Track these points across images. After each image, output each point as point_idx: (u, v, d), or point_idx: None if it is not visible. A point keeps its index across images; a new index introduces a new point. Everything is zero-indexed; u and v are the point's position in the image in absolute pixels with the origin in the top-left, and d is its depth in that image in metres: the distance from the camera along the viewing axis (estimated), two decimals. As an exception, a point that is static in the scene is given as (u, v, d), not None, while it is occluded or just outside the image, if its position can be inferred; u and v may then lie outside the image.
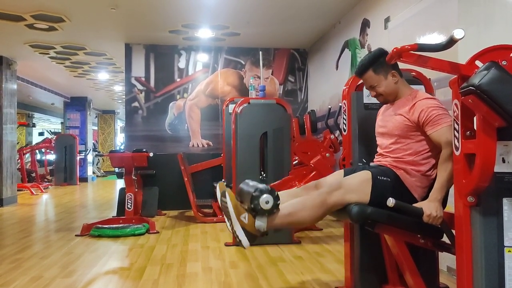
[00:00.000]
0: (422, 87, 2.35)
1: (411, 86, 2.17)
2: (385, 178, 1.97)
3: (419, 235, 1.92)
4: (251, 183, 2.01)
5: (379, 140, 2.20)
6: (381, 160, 2.13)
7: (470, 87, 1.35)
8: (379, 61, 2.07)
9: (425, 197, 1.94)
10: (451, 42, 1.46)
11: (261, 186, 1.89)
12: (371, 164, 2.19)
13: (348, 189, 1.94)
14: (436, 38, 3.01)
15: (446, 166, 1.85)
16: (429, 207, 1.81)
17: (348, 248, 2.40)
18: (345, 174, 2.14)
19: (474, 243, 1.48)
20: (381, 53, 2.09)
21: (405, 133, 2.04)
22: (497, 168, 1.42)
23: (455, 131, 1.53)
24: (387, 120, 2.13)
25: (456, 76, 1.52)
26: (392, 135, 2.09)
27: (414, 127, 2.00)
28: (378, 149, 2.19)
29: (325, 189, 1.98)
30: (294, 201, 2.00)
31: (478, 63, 1.47)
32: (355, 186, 1.96)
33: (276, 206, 1.89)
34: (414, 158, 2.00)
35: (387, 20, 3.87)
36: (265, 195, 1.85)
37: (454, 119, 1.53)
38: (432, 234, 1.91)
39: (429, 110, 1.95)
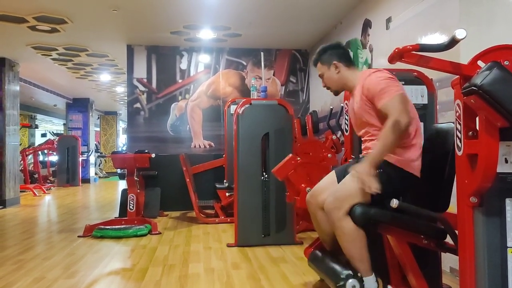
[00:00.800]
0: (424, 87, 2.35)
1: (361, 71, 2.21)
2: (376, 171, 1.97)
3: (422, 236, 1.92)
4: (332, 264, 2.06)
5: (357, 133, 2.24)
6: (365, 151, 2.15)
7: (472, 87, 1.35)
8: (326, 53, 2.18)
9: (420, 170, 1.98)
10: (453, 42, 1.45)
11: (346, 271, 1.94)
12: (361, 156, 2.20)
13: (347, 199, 1.96)
14: (437, 38, 3.00)
15: (386, 135, 1.87)
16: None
17: (351, 249, 2.39)
18: (337, 176, 2.14)
19: (477, 244, 1.47)
20: (331, 45, 2.21)
21: (370, 116, 2.05)
22: (500, 169, 1.42)
23: (457, 132, 1.53)
24: (353, 111, 2.17)
25: (458, 76, 1.52)
26: (361, 123, 2.12)
27: (372, 107, 2.03)
28: (363, 140, 2.21)
29: (333, 216, 1.98)
30: (347, 254, 2.01)
31: (480, 63, 1.46)
32: (353, 189, 1.96)
33: None
34: None
35: (388, 20, 3.86)
36: (351, 280, 1.91)
37: (456, 119, 1.53)
38: (435, 235, 1.91)
39: (374, 85, 1.98)
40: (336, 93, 2.24)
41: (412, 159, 1.99)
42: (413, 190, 2.16)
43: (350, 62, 2.19)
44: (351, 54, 4.81)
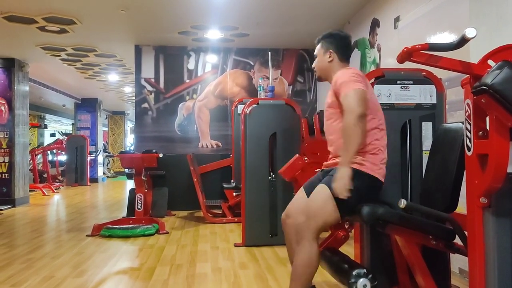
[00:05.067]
0: (433, 86, 2.33)
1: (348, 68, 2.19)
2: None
3: (430, 236, 1.90)
4: (342, 263, 2.05)
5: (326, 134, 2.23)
6: (330, 161, 2.14)
7: (483, 87, 1.33)
8: (329, 38, 2.18)
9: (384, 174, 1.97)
10: (463, 41, 1.44)
11: (356, 271, 1.92)
12: (324, 167, 2.19)
13: (317, 215, 1.94)
14: (447, 37, 2.98)
15: (347, 134, 1.87)
16: (338, 178, 1.83)
17: (358, 249, 2.38)
18: (306, 192, 2.12)
19: (486, 245, 1.46)
20: (337, 33, 2.20)
21: (336, 113, 2.05)
22: (510, 169, 1.40)
23: (467, 131, 1.51)
24: (325, 117, 2.17)
25: (468, 75, 1.50)
26: (328, 129, 2.14)
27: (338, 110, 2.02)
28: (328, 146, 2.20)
29: (303, 234, 1.96)
30: (293, 272, 1.99)
31: (490, 62, 1.44)
32: (319, 207, 1.94)
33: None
34: None
35: (397, 19, 3.84)
36: (361, 280, 1.89)
37: (466, 119, 1.52)
38: (443, 235, 1.89)
39: (338, 79, 1.99)
40: (319, 78, 2.25)
41: (378, 163, 1.97)
42: (421, 190, 2.15)
43: (345, 57, 2.18)
44: (359, 54, 4.78)
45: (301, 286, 1.94)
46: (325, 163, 2.20)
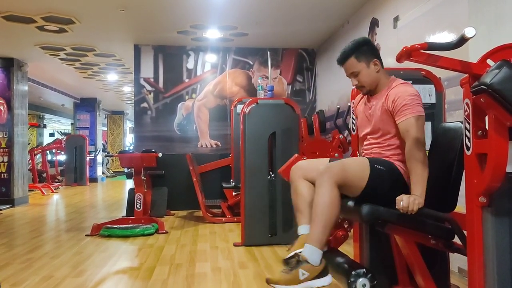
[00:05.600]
0: (432, 86, 2.33)
1: (390, 76, 2.11)
2: (381, 167, 1.93)
3: (430, 236, 1.90)
4: (341, 262, 2.01)
5: (364, 135, 2.15)
6: (369, 153, 2.10)
7: (482, 86, 1.33)
8: (362, 49, 2.04)
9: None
10: (462, 40, 1.44)
11: (356, 270, 1.91)
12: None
13: (347, 168, 1.87)
14: (446, 37, 2.98)
15: (414, 163, 1.82)
16: (413, 201, 1.74)
17: (358, 249, 2.38)
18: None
19: (485, 244, 1.46)
20: (365, 41, 2.07)
21: (387, 126, 2.00)
22: (509, 168, 1.40)
23: (466, 131, 1.51)
24: (370, 115, 2.09)
25: (467, 75, 1.51)
26: (376, 129, 2.05)
27: (391, 118, 1.97)
28: (365, 144, 2.15)
29: (323, 177, 1.85)
30: (314, 212, 1.87)
31: (489, 61, 1.45)
32: (355, 166, 1.90)
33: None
34: (398, 151, 1.96)
35: (396, 19, 3.84)
36: (361, 279, 1.88)
37: (465, 119, 1.52)
38: (443, 235, 1.89)
39: (398, 99, 1.92)
40: (369, 92, 2.10)
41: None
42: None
43: (383, 63, 2.09)
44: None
45: (323, 227, 1.82)
46: (365, 152, 2.16)
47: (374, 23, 4.37)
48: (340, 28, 5.45)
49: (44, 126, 14.24)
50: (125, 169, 5.71)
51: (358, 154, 2.46)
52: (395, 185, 1.92)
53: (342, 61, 2.09)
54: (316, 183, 1.90)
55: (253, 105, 3.95)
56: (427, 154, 2.04)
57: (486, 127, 1.43)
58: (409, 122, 1.88)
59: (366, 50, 2.02)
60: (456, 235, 1.83)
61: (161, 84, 6.41)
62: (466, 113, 1.51)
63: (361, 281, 1.89)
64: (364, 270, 1.92)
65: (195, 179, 5.26)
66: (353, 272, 1.92)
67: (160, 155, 4.82)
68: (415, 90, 1.97)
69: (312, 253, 1.81)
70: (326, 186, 1.83)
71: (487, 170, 1.39)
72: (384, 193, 1.88)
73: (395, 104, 1.93)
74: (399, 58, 1.63)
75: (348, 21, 5.17)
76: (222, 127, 6.40)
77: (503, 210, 1.44)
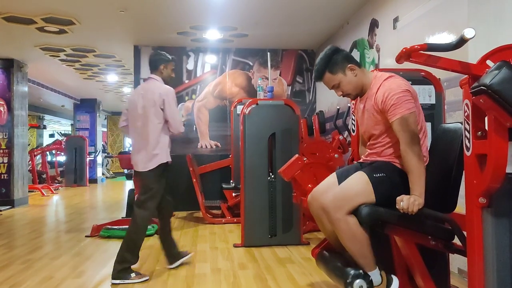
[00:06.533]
0: (432, 87, 2.33)
1: (369, 71, 2.11)
2: (380, 174, 1.95)
3: (429, 237, 1.90)
4: (339, 264, 2.05)
5: (364, 137, 2.19)
6: (369, 157, 2.12)
7: (481, 87, 1.33)
8: (333, 59, 2.04)
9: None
10: (462, 41, 1.44)
11: (353, 271, 1.93)
12: (362, 161, 2.18)
13: (349, 199, 1.92)
14: (445, 37, 2.98)
15: (409, 161, 1.84)
16: (413, 202, 1.76)
17: (358, 250, 2.38)
18: (338, 178, 2.11)
19: (485, 245, 1.46)
20: (334, 50, 2.06)
21: (383, 126, 2.01)
22: (509, 169, 1.40)
23: (466, 132, 1.51)
24: (363, 118, 2.11)
25: (467, 76, 1.51)
26: (374, 130, 2.06)
27: (382, 116, 1.98)
28: (368, 144, 2.17)
29: (332, 216, 1.94)
30: (346, 247, 1.99)
31: (489, 62, 1.45)
32: (355, 186, 1.94)
33: None
34: (398, 147, 1.96)
35: (395, 20, 3.84)
36: (358, 280, 1.90)
37: (465, 119, 1.52)
38: (443, 236, 1.89)
39: (386, 99, 1.92)
40: (358, 96, 2.12)
41: None
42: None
43: (359, 62, 2.11)
44: (358, 54, 4.79)
45: (361, 255, 1.93)
46: (363, 157, 2.18)
47: (374, 24, 4.37)
48: (340, 29, 5.46)
49: (44, 127, 14.24)
50: (125, 170, 5.71)
51: (358, 154, 2.47)
52: (402, 183, 1.93)
53: (318, 78, 2.11)
54: (330, 222, 1.99)
55: (253, 106, 3.95)
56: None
57: (486, 128, 1.43)
58: (398, 122, 1.89)
59: (338, 59, 2.03)
60: (456, 236, 1.83)
61: (161, 85, 6.39)
62: (466, 114, 1.51)
63: (358, 282, 1.90)
64: (362, 271, 1.92)
65: (195, 180, 5.26)
66: (351, 273, 1.92)
67: (160, 156, 4.80)
68: (401, 83, 1.96)
69: (372, 275, 1.94)
70: (340, 221, 1.92)
71: (487, 171, 1.39)
72: (397, 193, 1.87)
73: (384, 105, 1.94)
74: (399, 59, 1.63)
75: (347, 22, 5.17)
76: (222, 128, 6.39)
77: (503, 211, 1.44)
